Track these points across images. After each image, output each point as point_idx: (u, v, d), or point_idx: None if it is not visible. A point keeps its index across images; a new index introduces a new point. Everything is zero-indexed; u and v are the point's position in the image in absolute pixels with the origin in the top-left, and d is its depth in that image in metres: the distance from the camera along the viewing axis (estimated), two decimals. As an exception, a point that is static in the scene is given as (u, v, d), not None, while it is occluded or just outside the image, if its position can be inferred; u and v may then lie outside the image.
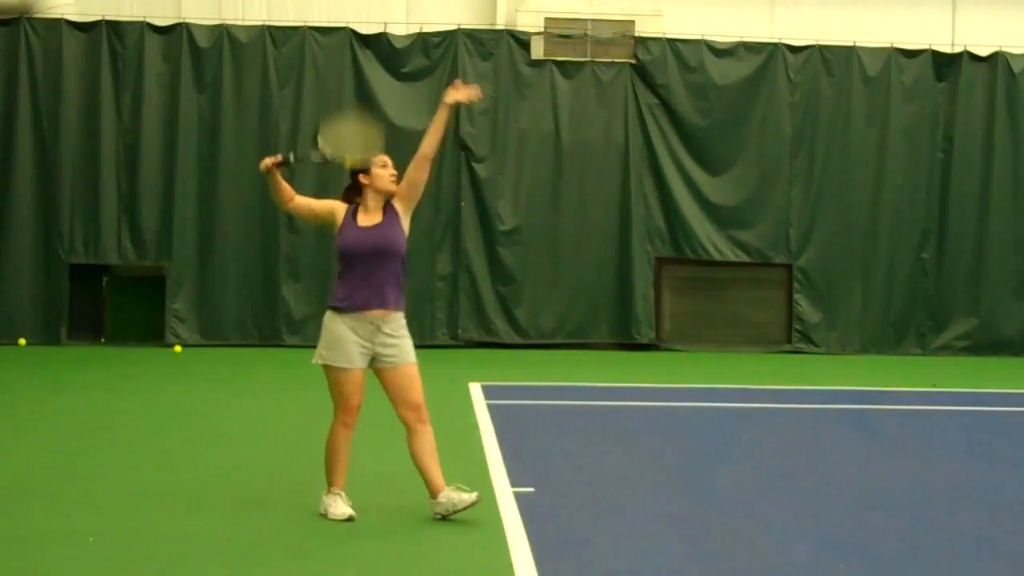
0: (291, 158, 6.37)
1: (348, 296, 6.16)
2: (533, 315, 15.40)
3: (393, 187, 6.28)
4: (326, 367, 6.15)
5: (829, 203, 15.66)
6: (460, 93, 6.26)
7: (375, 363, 6.17)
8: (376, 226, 6.22)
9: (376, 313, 6.11)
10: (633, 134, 15.40)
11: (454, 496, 6.04)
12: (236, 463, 7.65)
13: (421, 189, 6.30)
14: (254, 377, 12.43)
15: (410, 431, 6.21)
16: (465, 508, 6.01)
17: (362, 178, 6.30)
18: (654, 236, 15.49)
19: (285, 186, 6.41)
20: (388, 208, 6.28)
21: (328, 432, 6.24)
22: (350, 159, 6.29)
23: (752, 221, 15.57)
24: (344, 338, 6.09)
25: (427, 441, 6.18)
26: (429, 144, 6.22)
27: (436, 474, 6.12)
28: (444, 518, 6.04)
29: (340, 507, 6.09)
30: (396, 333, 6.16)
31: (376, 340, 6.11)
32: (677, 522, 6.21)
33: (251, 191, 14.98)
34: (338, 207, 6.40)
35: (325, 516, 6.09)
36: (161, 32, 14.93)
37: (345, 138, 6.33)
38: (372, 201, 6.29)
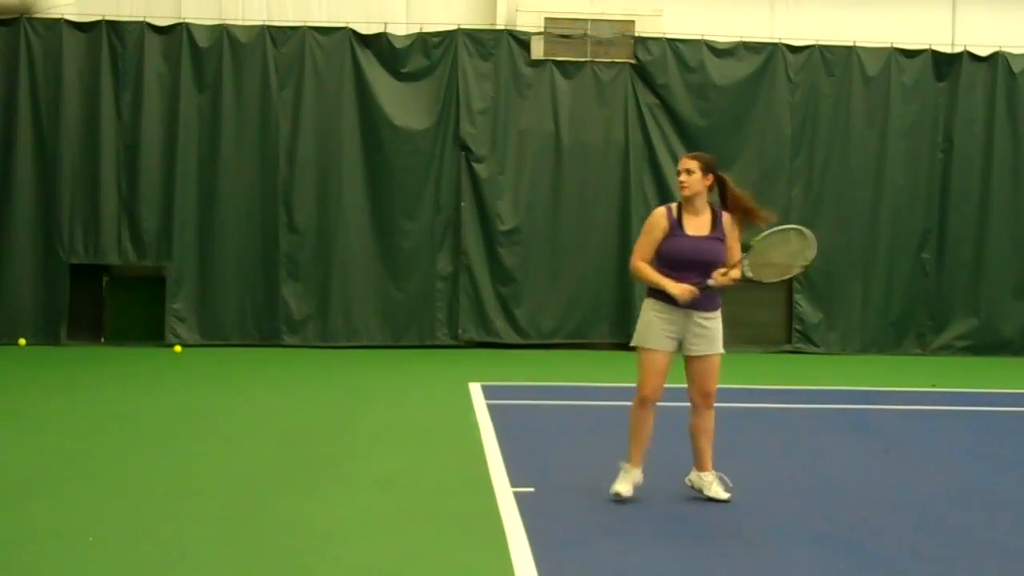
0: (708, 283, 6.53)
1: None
2: (533, 315, 15.40)
3: (685, 192, 6.61)
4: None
5: (829, 203, 15.67)
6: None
7: (683, 349, 6.63)
8: (704, 238, 6.61)
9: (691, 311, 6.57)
10: (633, 134, 15.40)
11: (712, 483, 6.65)
12: (236, 463, 7.64)
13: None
14: (254, 377, 12.43)
15: (695, 410, 6.73)
16: (710, 498, 6.61)
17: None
18: (654, 236, 15.47)
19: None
20: (717, 222, 6.69)
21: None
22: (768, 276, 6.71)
23: (752, 221, 15.55)
24: (654, 323, 6.55)
25: (707, 423, 6.71)
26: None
27: (707, 453, 6.71)
28: (692, 488, 6.71)
29: (620, 482, 6.60)
30: (707, 324, 6.60)
31: (687, 329, 6.56)
32: (677, 522, 6.21)
33: (251, 191, 15.01)
34: (658, 223, 6.67)
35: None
36: (161, 32, 14.93)
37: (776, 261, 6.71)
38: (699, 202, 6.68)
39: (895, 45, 15.67)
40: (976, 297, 15.77)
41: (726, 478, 6.73)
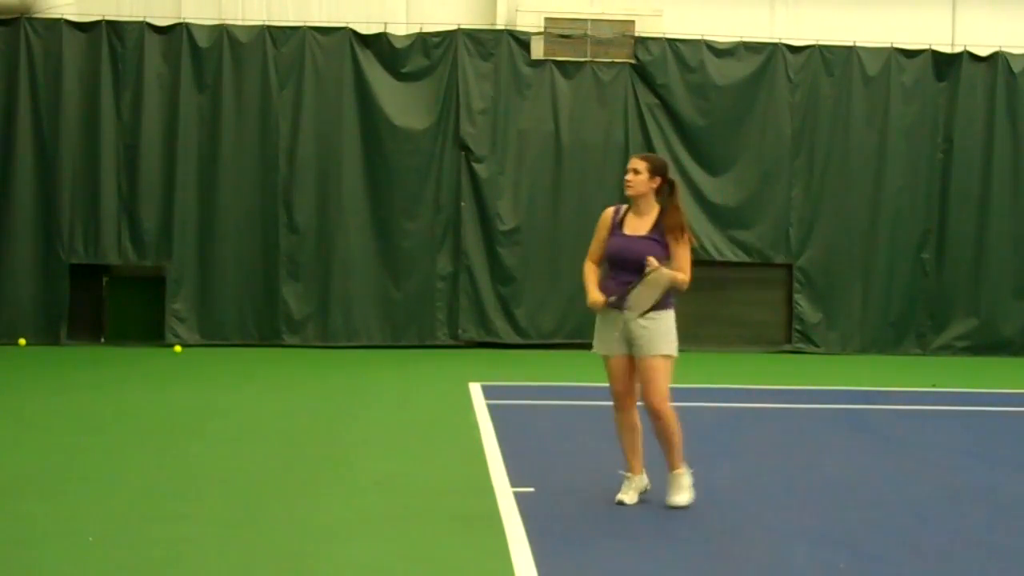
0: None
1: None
2: (533, 315, 15.39)
3: (629, 191, 6.53)
4: (673, 358, 6.53)
5: (829, 203, 15.66)
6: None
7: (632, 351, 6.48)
8: (638, 237, 6.50)
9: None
10: (633, 134, 15.39)
11: (670, 486, 6.44)
12: (236, 463, 7.64)
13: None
14: (254, 377, 12.42)
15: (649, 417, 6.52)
16: (673, 503, 6.42)
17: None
18: (654, 236, 15.46)
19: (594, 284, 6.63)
20: (659, 224, 6.50)
21: (676, 420, 6.51)
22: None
23: (752, 221, 15.57)
24: (599, 329, 6.56)
25: (658, 429, 6.47)
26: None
27: (668, 456, 6.50)
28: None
29: (623, 491, 6.51)
30: (645, 324, 6.40)
31: (629, 330, 6.44)
32: (677, 522, 6.21)
33: (251, 191, 15.01)
34: (604, 222, 6.71)
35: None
36: (161, 32, 14.93)
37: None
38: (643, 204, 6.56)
39: (895, 45, 15.66)
40: (976, 297, 15.76)
41: (687, 476, 6.50)
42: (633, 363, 6.49)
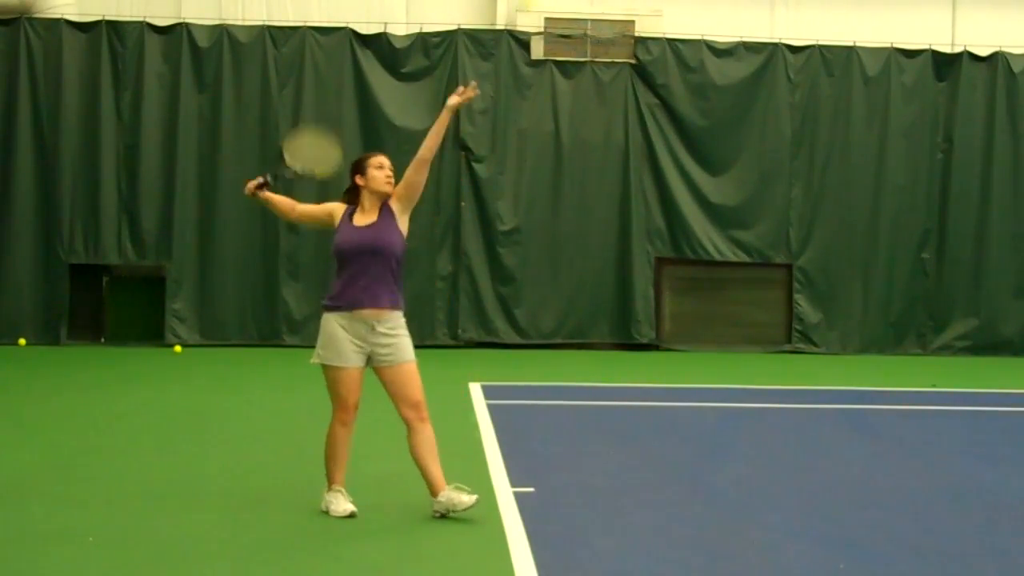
0: (269, 178, 6.60)
1: (340, 295, 6.24)
2: (533, 315, 15.40)
3: (389, 188, 6.31)
4: (323, 366, 6.18)
5: (829, 203, 15.67)
6: (462, 96, 6.32)
7: (372, 361, 6.19)
8: (370, 226, 6.28)
9: (368, 312, 6.14)
10: (633, 134, 15.40)
11: (454, 496, 6.08)
12: (236, 463, 7.64)
13: (419, 191, 6.34)
14: (254, 377, 12.43)
15: (410, 429, 6.25)
16: (464, 509, 6.04)
17: (358, 179, 6.35)
18: (654, 236, 15.49)
19: (280, 200, 6.71)
20: (384, 209, 6.32)
21: (327, 431, 6.28)
22: (320, 171, 6.65)
23: (752, 221, 15.58)
24: (339, 337, 6.12)
25: (427, 439, 6.20)
26: (428, 148, 6.26)
27: (437, 473, 6.15)
28: (443, 516, 6.08)
29: (341, 504, 6.12)
30: (392, 332, 6.16)
31: (371, 339, 6.13)
32: (677, 522, 6.21)
33: (251, 191, 15.00)
34: (336, 208, 6.52)
35: (327, 514, 6.10)
36: (161, 32, 14.94)
37: (307, 152, 6.67)
38: (368, 202, 6.35)
39: (895, 45, 15.67)
40: (976, 297, 15.77)
41: (462, 485, 6.12)
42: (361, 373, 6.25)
